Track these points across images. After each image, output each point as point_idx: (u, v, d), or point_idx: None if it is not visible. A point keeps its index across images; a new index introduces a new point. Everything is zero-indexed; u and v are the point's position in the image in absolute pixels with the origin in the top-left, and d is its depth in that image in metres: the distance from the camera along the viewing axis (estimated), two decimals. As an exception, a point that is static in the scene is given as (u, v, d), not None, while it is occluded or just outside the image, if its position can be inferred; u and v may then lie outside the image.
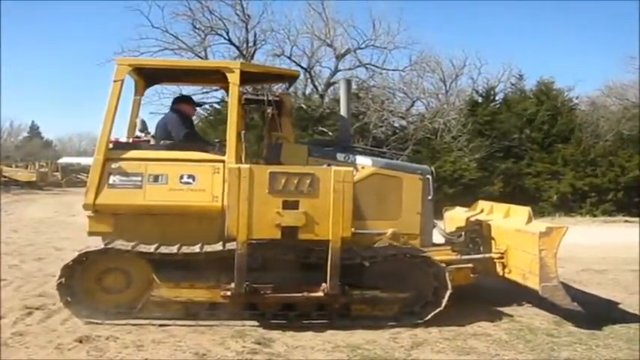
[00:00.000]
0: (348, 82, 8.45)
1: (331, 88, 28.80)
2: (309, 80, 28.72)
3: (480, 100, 30.45)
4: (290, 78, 8.39)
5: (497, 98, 31.14)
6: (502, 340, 6.38)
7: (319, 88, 28.70)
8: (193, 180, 6.78)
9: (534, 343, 6.30)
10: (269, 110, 7.88)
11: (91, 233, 6.93)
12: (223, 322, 6.55)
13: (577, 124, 28.60)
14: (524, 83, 32.71)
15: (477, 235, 7.79)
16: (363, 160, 7.50)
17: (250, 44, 28.09)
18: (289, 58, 28.33)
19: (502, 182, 25.93)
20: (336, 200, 6.38)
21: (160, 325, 6.40)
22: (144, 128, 7.46)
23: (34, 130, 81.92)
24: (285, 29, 28.61)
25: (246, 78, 7.46)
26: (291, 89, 28.95)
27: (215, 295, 6.56)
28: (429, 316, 6.70)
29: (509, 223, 7.53)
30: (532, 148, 27.59)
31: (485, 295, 7.88)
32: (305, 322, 6.65)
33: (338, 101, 26.23)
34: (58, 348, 5.73)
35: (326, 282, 6.48)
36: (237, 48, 28.04)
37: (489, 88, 31.77)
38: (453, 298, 6.80)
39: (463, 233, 7.77)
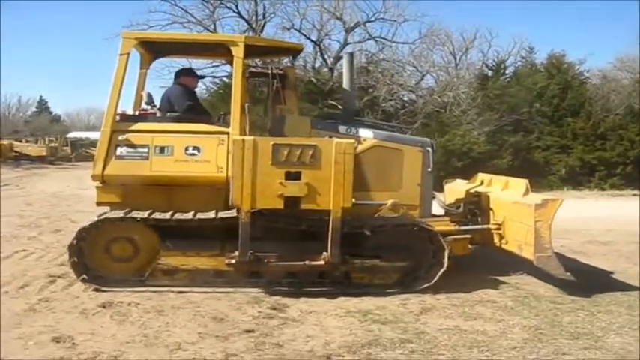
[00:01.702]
0: (352, 56, 8.54)
1: (341, 61, 28.72)
2: (318, 54, 28.70)
3: (489, 73, 30.41)
4: (294, 52, 8.50)
5: (507, 72, 31.14)
6: (507, 307, 6.57)
7: (329, 62, 28.64)
8: (198, 151, 6.97)
9: (538, 309, 6.48)
10: (274, 83, 8.03)
11: (99, 203, 7.17)
12: (238, 289, 6.78)
13: (587, 97, 28.48)
14: (534, 57, 32.70)
15: (476, 206, 7.90)
16: (364, 133, 7.63)
17: (259, 17, 28.10)
18: (299, 31, 28.29)
19: (511, 156, 25.86)
20: (338, 171, 6.53)
21: (179, 292, 6.62)
22: (150, 101, 7.60)
23: (43, 105, 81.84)
24: (294, 2, 28.52)
25: (250, 51, 7.62)
26: (301, 63, 29.14)
27: (220, 263, 6.77)
28: (436, 278, 6.90)
29: (506, 195, 7.64)
30: (542, 122, 27.49)
31: (492, 264, 8.06)
32: (308, 289, 6.86)
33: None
34: (83, 313, 5.96)
35: (327, 251, 6.67)
36: (247, 21, 28.06)
37: (499, 61, 31.74)
38: (459, 267, 7.13)
39: (462, 205, 7.89)
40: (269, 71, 8.07)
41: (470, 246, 7.56)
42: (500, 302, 6.73)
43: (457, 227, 7.62)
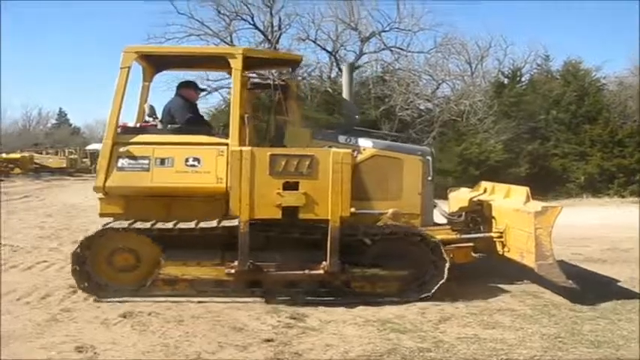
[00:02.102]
0: (351, 67, 8.65)
1: (357, 71, 28.82)
2: (334, 64, 28.79)
3: (505, 81, 30.16)
4: (294, 63, 8.49)
5: (523, 79, 30.89)
6: (527, 315, 6.57)
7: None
8: (198, 162, 7.03)
9: (558, 318, 6.48)
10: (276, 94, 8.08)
11: (102, 215, 7.28)
12: (257, 299, 6.87)
13: (605, 104, 28.20)
14: (550, 64, 32.49)
15: (478, 214, 7.90)
16: (364, 142, 7.66)
17: (275, 29, 28.18)
18: (314, 42, 28.38)
19: (528, 164, 25.67)
20: (335, 181, 6.61)
21: (199, 302, 6.70)
22: (152, 113, 7.70)
23: (63, 117, 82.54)
24: (309, 13, 28.81)
25: (250, 63, 7.70)
26: (317, 73, 29.19)
27: (220, 273, 6.82)
28: (445, 274, 6.93)
29: (508, 203, 7.64)
30: (559, 129, 27.24)
31: (511, 273, 8.01)
32: (309, 298, 6.89)
33: (362, 84, 26.12)
34: (104, 323, 6.05)
35: (326, 260, 6.72)
36: (263, 33, 28.19)
37: (515, 69, 31.54)
38: (477, 276, 7.37)
39: (463, 213, 7.89)
40: (271, 83, 8.11)
41: (475, 255, 7.59)
42: (520, 311, 6.74)
43: (458, 235, 7.61)
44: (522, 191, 7.46)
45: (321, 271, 6.79)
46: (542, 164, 26.37)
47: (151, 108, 7.74)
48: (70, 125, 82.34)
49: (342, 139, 7.62)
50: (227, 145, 7.02)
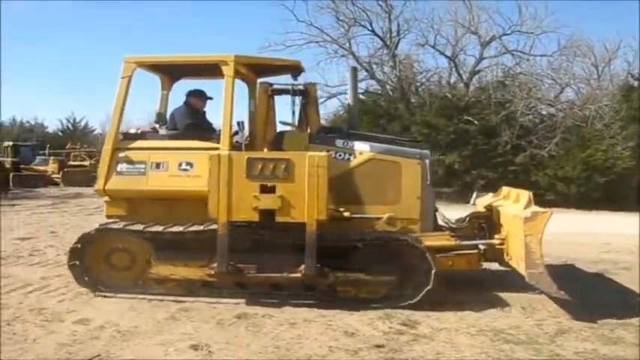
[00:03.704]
0: (355, 70, 8.54)
1: (476, 76, 28.42)
2: (453, 69, 28.51)
3: (635, 84, 28.61)
4: (293, 69, 8.23)
5: (655, 82, 29.11)
6: None
7: (464, 77, 28.35)
8: (191, 167, 7.26)
9: None
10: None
11: (108, 216, 7.63)
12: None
13: None
14: (687, 64, 30.36)
15: (486, 220, 7.63)
16: (361, 146, 7.55)
17: (394, 34, 28.28)
18: (433, 47, 28.38)
19: (659, 171, 24.22)
20: (311, 184, 6.64)
21: (309, 306, 6.84)
22: (159, 120, 8.10)
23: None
24: (428, 18, 28.66)
25: (255, 70, 8.00)
26: (436, 79, 28.92)
27: (202, 274, 7.01)
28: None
29: (510, 209, 7.29)
30: (693, 135, 25.46)
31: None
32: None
33: (482, 89, 25.73)
34: (219, 323, 6.32)
35: (305, 263, 6.75)
36: (381, 39, 28.40)
37: (646, 71, 29.80)
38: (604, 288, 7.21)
39: (467, 219, 7.64)
40: (290, 88, 8.15)
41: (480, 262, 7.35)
42: (645, 326, 6.38)
43: (458, 242, 7.34)
44: (525, 196, 7.12)
45: (299, 275, 6.81)
46: (676, 172, 24.66)
47: (159, 115, 8.12)
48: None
49: (339, 142, 7.55)
50: (218, 149, 7.17)
